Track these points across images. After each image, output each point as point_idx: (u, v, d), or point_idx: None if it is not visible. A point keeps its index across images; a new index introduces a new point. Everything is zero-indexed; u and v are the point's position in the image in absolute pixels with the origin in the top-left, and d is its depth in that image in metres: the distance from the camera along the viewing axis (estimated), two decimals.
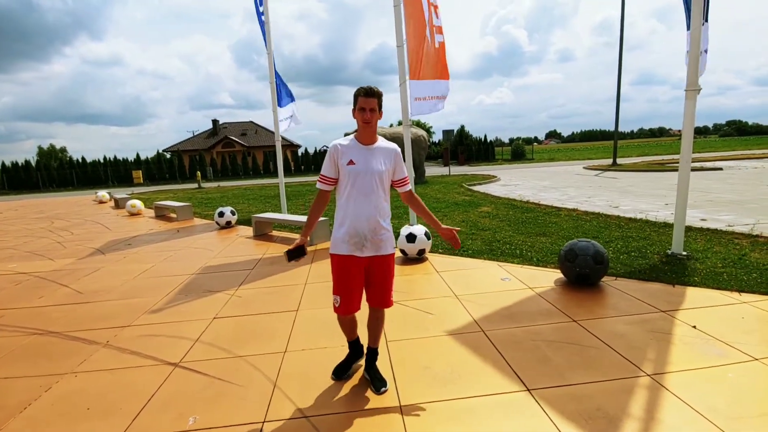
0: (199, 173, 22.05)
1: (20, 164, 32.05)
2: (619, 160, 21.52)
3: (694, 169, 16.29)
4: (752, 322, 2.94)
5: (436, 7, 6.47)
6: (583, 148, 78.45)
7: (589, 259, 3.68)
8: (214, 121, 45.58)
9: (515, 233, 6.30)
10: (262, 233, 7.29)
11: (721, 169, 15.74)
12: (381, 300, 2.38)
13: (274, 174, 35.51)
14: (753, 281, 3.66)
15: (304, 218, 6.83)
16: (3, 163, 31.98)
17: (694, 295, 3.49)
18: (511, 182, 15.23)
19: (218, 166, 35.82)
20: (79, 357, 2.92)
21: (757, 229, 5.64)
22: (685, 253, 4.60)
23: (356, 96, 2.21)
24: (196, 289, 4.36)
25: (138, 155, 34.01)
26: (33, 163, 33.16)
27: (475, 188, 13.42)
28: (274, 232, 7.41)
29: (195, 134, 46.04)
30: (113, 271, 5.35)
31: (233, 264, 5.35)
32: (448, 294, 3.83)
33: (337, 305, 2.30)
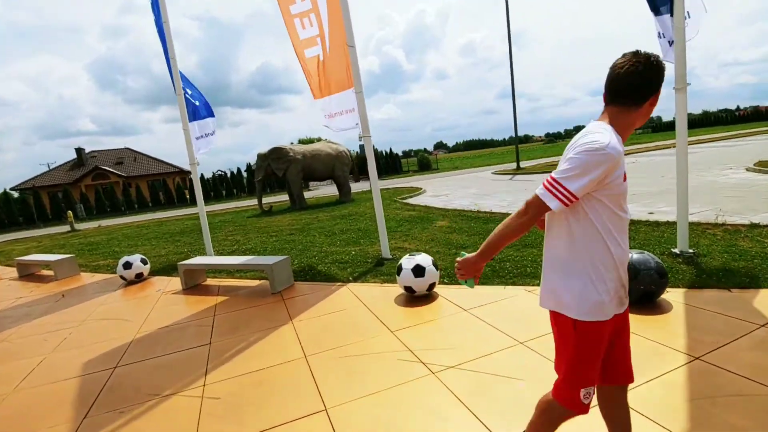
0: (70, 213, 17.92)
1: None
2: (512, 165, 23.46)
3: None
4: None
5: (301, 16, 5.76)
6: (472, 156, 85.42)
7: (653, 273, 3.19)
8: (79, 150, 38.73)
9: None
10: (195, 285, 5.64)
11: None
12: (629, 369, 1.57)
13: (167, 206, 31.24)
14: None
15: (249, 259, 5.42)
16: None
17: (760, 299, 3.21)
18: (440, 192, 15.18)
19: (91, 202, 30.22)
20: None
21: (720, 218, 5.94)
22: (691, 250, 4.49)
23: (658, 84, 1.34)
24: (132, 396, 2.83)
25: None
26: None
27: (410, 201, 12.96)
28: (210, 281, 5.80)
29: (53, 167, 38.56)
30: None
31: (174, 338, 3.81)
32: (509, 342, 3.00)
33: (586, 401, 1.42)
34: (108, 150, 42.15)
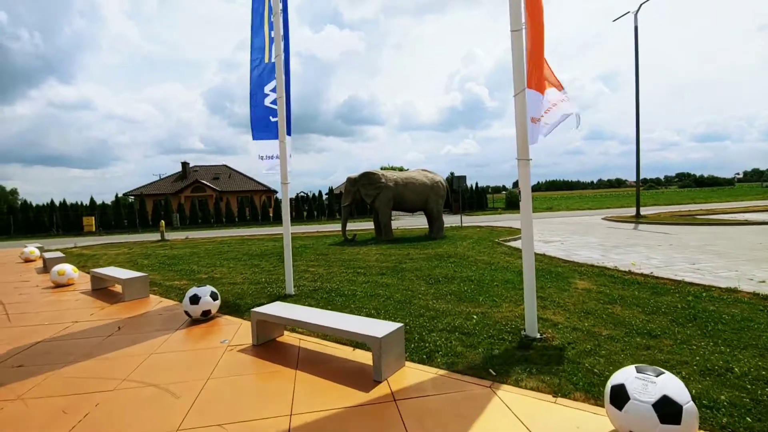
0: (162, 223, 18.50)
1: None
2: (623, 210, 19.92)
3: (737, 223, 14.53)
4: None
5: None
6: (560, 196, 79.66)
7: None
8: (184, 164, 42.27)
9: (725, 347, 3.60)
10: (269, 340, 4.24)
11: None
12: None
13: (251, 222, 32.17)
14: None
15: (345, 321, 3.88)
16: None
17: None
18: (550, 238, 12.83)
19: (186, 212, 32.14)
20: None
21: None
22: None
23: None
24: None
25: (92, 199, 29.93)
26: None
27: (514, 245, 10.87)
28: (287, 336, 4.38)
29: (162, 177, 42.40)
30: None
31: None
32: None
33: None
34: (208, 165, 45.60)
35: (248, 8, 6.50)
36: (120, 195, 33.46)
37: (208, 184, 38.99)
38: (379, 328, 3.37)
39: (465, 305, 5.24)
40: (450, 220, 19.81)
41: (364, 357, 3.69)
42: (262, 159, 6.51)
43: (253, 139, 6.49)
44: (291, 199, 34.33)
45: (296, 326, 4.01)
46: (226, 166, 45.58)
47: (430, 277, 7.07)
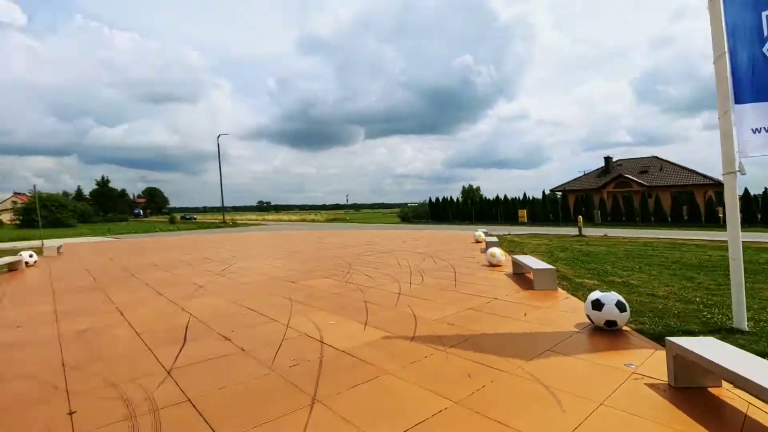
0: (580, 218, 18.59)
1: (439, 200, 40.41)
2: None
3: None
4: None
5: None
6: None
7: None
8: (607, 159, 40.59)
9: None
10: (695, 386, 3.11)
11: None
12: None
13: (690, 223, 26.49)
14: None
15: None
16: (430, 199, 41.42)
17: None
18: None
19: (608, 208, 30.86)
20: None
21: None
22: None
23: None
24: None
25: (525, 194, 34.77)
26: (458, 199, 41.09)
27: None
28: (726, 391, 3.03)
29: (585, 173, 42.84)
30: None
31: None
32: None
33: None
34: (634, 159, 41.56)
35: None
36: (547, 192, 36.81)
37: (633, 178, 35.56)
38: None
39: None
40: None
41: None
42: (755, 132, 4.59)
43: (736, 103, 4.52)
44: (756, 195, 25.16)
45: (738, 383, 2.67)
46: (655, 157, 39.78)
47: None
